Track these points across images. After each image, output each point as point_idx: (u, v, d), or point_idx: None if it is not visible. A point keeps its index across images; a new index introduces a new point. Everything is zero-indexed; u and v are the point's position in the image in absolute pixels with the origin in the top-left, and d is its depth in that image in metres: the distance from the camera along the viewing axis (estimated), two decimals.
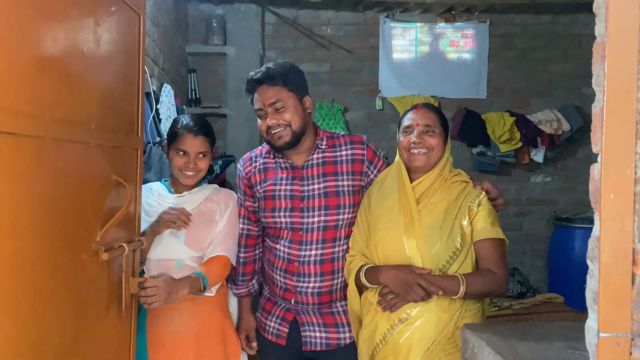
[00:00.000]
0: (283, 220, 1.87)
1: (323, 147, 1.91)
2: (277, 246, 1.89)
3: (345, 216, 1.85)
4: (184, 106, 3.71)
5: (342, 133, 2.01)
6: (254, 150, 2.04)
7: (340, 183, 1.87)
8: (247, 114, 4.14)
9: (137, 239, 1.57)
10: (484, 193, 1.71)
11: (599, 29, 0.84)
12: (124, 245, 1.43)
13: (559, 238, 4.06)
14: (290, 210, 1.86)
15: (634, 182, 0.75)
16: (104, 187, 1.38)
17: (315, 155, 1.90)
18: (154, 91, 2.75)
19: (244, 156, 2.04)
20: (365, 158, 1.91)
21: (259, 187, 1.93)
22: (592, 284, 0.82)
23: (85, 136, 1.26)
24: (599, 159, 0.82)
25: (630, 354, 0.73)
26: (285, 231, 1.88)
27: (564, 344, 1.27)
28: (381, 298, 1.68)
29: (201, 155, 1.86)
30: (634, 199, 0.75)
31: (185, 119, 1.90)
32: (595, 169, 0.83)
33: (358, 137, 1.97)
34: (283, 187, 1.89)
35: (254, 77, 1.86)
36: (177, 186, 1.91)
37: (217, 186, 2.00)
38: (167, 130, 1.99)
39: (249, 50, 4.13)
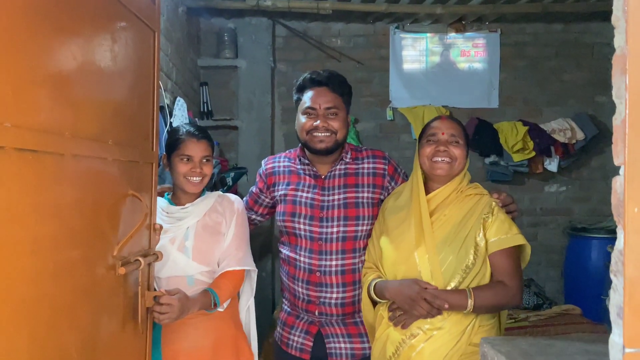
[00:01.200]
0: (302, 227, 1.88)
1: (347, 159, 1.94)
2: (297, 257, 1.90)
3: (365, 227, 1.87)
4: (196, 119, 3.74)
5: (365, 147, 2.04)
6: (280, 153, 2.08)
7: (360, 195, 1.89)
8: (259, 126, 4.17)
9: (152, 252, 1.58)
10: (495, 202, 1.69)
11: (618, 42, 0.83)
12: (140, 259, 1.44)
13: (575, 248, 4.02)
14: (310, 219, 1.88)
15: None
16: (120, 201, 1.39)
17: (338, 167, 1.93)
18: (167, 105, 2.77)
19: (268, 157, 2.10)
20: (387, 173, 1.94)
21: (279, 188, 1.96)
22: (616, 299, 0.80)
23: (102, 152, 1.27)
24: (621, 171, 0.81)
25: None
26: (305, 240, 1.89)
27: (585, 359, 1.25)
28: (391, 313, 1.67)
29: (205, 160, 1.85)
30: None
31: (185, 127, 1.90)
32: (617, 182, 0.82)
33: (380, 152, 2.00)
34: (305, 195, 1.92)
35: (315, 77, 1.91)
36: (179, 198, 1.89)
37: (221, 192, 1.98)
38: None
39: (260, 63, 4.16)
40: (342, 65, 4.25)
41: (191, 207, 1.87)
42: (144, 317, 1.52)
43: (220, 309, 1.80)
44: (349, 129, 1.98)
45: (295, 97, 1.98)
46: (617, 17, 0.85)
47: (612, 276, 0.83)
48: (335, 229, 1.86)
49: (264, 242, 4.13)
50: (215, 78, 4.18)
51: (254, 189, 2.10)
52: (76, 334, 1.16)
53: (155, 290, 1.63)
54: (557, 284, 4.28)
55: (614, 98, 0.86)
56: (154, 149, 1.64)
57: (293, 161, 2.00)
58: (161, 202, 1.90)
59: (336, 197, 1.89)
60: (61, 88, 1.08)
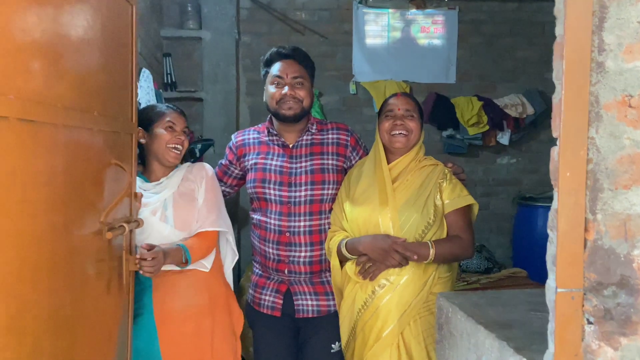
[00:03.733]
0: (272, 192, 2.02)
1: (313, 130, 2.10)
2: (268, 220, 2.03)
3: (330, 191, 2.03)
4: (161, 90, 3.74)
5: (329, 121, 2.20)
6: (248, 128, 2.21)
7: (325, 162, 2.05)
8: (224, 98, 4.19)
9: (134, 219, 1.66)
10: (448, 170, 1.91)
11: (558, 30, 0.97)
12: (124, 225, 1.52)
13: (523, 216, 4.29)
14: (280, 184, 2.02)
15: (586, 162, 0.89)
16: (105, 170, 1.46)
17: (305, 137, 2.08)
18: None
19: (237, 131, 2.23)
20: (349, 144, 2.11)
21: (249, 158, 2.10)
22: (551, 250, 0.96)
23: (89, 122, 1.34)
24: (557, 142, 0.95)
25: (583, 305, 0.87)
26: (274, 204, 2.02)
27: (527, 308, 1.42)
28: (360, 267, 1.83)
29: (185, 131, 1.95)
30: (586, 176, 0.89)
31: (161, 104, 2.01)
32: (554, 151, 0.97)
33: (344, 125, 2.17)
34: (274, 163, 2.06)
35: (283, 50, 2.06)
36: (154, 173, 1.95)
37: (190, 163, 2.06)
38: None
39: (225, 34, 4.17)
40: (306, 39, 4.31)
41: (166, 180, 1.94)
42: (127, 279, 1.61)
43: (203, 269, 1.89)
44: (314, 100, 2.12)
45: (263, 71, 2.12)
46: (558, 9, 0.99)
47: (548, 231, 0.99)
48: (303, 193, 2.01)
49: (229, 213, 4.21)
50: (179, 49, 4.17)
51: (223, 161, 2.21)
52: (70, 292, 1.24)
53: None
54: (506, 250, 4.56)
55: (554, 80, 1.00)
56: (134, 120, 1.70)
57: (262, 134, 2.14)
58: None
59: (303, 164, 2.04)
60: (53, 60, 1.14)
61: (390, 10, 4.45)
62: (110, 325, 1.54)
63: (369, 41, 4.45)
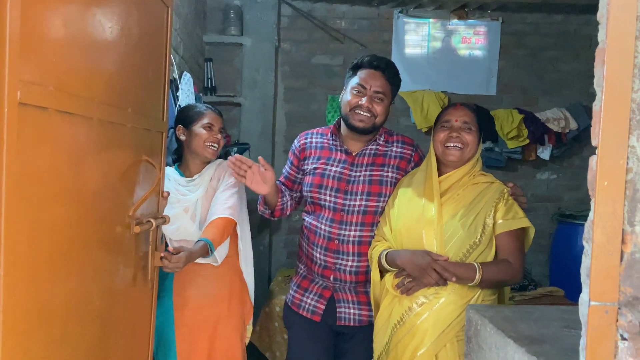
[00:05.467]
0: (327, 198, 2.00)
1: (380, 141, 2.05)
2: (319, 224, 2.02)
3: (385, 204, 1.97)
4: (201, 94, 3.82)
5: (397, 133, 2.14)
6: (313, 129, 2.19)
7: (385, 173, 2.01)
8: (261, 104, 4.24)
9: (161, 215, 1.69)
10: (507, 189, 1.80)
11: (600, 36, 0.93)
12: (152, 220, 1.55)
13: (562, 234, 4.15)
14: (336, 191, 2.00)
15: (626, 172, 0.85)
16: (135, 166, 1.49)
17: (370, 147, 2.04)
18: (175, 79, 2.85)
19: (301, 134, 2.20)
20: (412, 159, 2.05)
21: (309, 161, 2.08)
22: (586, 262, 0.92)
23: (123, 118, 1.37)
24: (597, 151, 0.92)
25: (617, 320, 0.83)
26: (328, 210, 2.01)
27: (561, 325, 1.36)
28: (399, 281, 1.76)
29: (222, 131, 2.08)
30: (625, 186, 0.85)
31: (200, 104, 2.12)
32: (593, 160, 0.92)
33: (411, 139, 2.12)
34: (334, 169, 2.03)
35: (374, 60, 1.99)
36: (188, 168, 2.09)
37: (220, 160, 2.16)
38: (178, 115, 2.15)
39: (265, 41, 4.22)
40: (345, 47, 4.32)
41: (198, 178, 2.06)
42: (152, 275, 1.64)
43: (215, 263, 1.97)
44: (387, 116, 2.06)
45: (348, 73, 2.07)
46: (601, 14, 0.95)
47: (584, 243, 0.95)
48: (357, 202, 1.98)
49: (263, 217, 4.24)
50: (220, 54, 4.25)
51: (287, 171, 2.18)
52: (98, 282, 1.27)
53: (165, 249, 1.79)
54: (543, 268, 4.42)
55: (594, 86, 0.96)
56: (164, 119, 1.74)
57: (326, 137, 2.11)
58: (170, 172, 2.04)
59: (363, 173, 2.01)
60: (91, 56, 1.17)
61: (431, 20, 4.42)
62: (134, 317, 1.57)
63: (408, 51, 4.43)
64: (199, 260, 1.92)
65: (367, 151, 2.04)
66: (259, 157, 1.95)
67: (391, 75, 2.01)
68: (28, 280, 0.96)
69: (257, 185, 1.92)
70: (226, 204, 1.98)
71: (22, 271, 0.94)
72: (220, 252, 1.97)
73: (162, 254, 1.70)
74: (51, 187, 1.03)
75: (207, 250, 1.88)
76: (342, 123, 2.07)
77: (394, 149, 2.05)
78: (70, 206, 1.11)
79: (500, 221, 1.75)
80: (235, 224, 2.00)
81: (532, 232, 1.82)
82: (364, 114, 1.95)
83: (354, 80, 1.99)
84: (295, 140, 2.18)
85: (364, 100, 1.95)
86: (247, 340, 2.14)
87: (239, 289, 2.07)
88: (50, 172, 1.02)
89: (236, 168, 1.90)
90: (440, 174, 1.84)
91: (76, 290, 1.16)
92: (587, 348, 0.84)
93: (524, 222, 1.76)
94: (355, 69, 2.02)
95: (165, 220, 1.70)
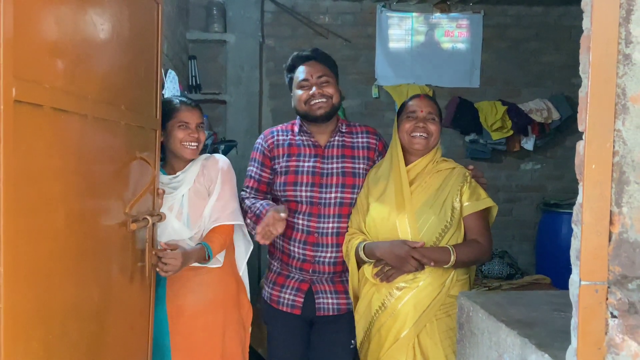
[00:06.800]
0: (304, 194, 2.02)
1: (343, 130, 2.10)
2: (296, 220, 2.03)
3: (357, 196, 2.02)
4: (185, 92, 3.80)
5: (357, 123, 2.20)
6: (275, 127, 2.18)
7: (356, 165, 2.06)
8: (247, 101, 4.24)
9: (156, 213, 1.69)
10: (468, 172, 1.90)
11: (585, 23, 0.96)
12: (148, 217, 1.55)
13: (547, 223, 4.22)
14: (311, 186, 2.02)
15: (612, 155, 0.88)
16: (130, 163, 1.49)
17: (336, 138, 2.09)
18: None
19: (265, 131, 2.19)
20: (377, 148, 2.11)
21: (280, 161, 2.08)
22: (575, 244, 0.95)
23: (116, 115, 1.37)
24: (584, 136, 0.95)
25: (607, 299, 0.86)
26: (304, 205, 2.03)
27: (550, 308, 1.40)
28: (378, 270, 1.83)
29: (200, 126, 1.95)
30: (612, 168, 0.88)
31: (177, 98, 1.99)
32: (580, 145, 0.96)
33: (372, 129, 2.18)
34: (306, 164, 2.05)
35: (303, 53, 2.08)
36: (171, 166, 1.97)
37: (206, 155, 2.05)
38: None
39: (249, 37, 4.22)
40: (329, 43, 4.33)
41: (182, 174, 1.94)
42: (149, 272, 1.64)
43: (216, 264, 1.92)
44: (341, 95, 2.12)
45: (287, 77, 2.13)
46: (585, 2, 0.98)
47: (573, 226, 0.98)
48: (333, 195, 2.02)
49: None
50: (204, 52, 4.23)
51: (258, 175, 2.11)
52: (95, 280, 1.27)
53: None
54: (529, 257, 4.50)
55: (580, 73, 0.99)
56: (157, 116, 1.74)
57: (291, 133, 2.12)
58: None
59: (335, 165, 2.05)
60: (84, 55, 1.17)
61: (414, 14, 4.45)
62: (133, 315, 1.57)
63: (392, 45, 4.45)
64: (193, 264, 1.85)
65: (335, 142, 2.08)
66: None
67: (323, 58, 2.09)
68: (27, 278, 0.96)
69: (264, 240, 1.91)
70: (228, 209, 1.94)
71: (21, 269, 0.94)
72: (222, 254, 1.94)
73: (154, 251, 1.68)
74: (47, 185, 1.03)
75: (204, 254, 1.84)
76: (303, 121, 2.10)
77: (360, 139, 2.11)
78: (67, 203, 1.11)
79: (466, 203, 1.85)
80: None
81: (495, 211, 1.93)
82: (319, 100, 2.01)
83: (296, 79, 2.06)
84: (261, 140, 2.14)
85: (313, 89, 2.02)
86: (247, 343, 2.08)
87: (234, 291, 2.01)
88: (46, 170, 1.02)
89: (269, 233, 1.87)
90: (406, 163, 1.92)
91: (75, 287, 1.16)
92: (579, 327, 0.87)
93: (488, 202, 1.87)
94: (291, 70, 2.10)
95: (162, 217, 1.69)
